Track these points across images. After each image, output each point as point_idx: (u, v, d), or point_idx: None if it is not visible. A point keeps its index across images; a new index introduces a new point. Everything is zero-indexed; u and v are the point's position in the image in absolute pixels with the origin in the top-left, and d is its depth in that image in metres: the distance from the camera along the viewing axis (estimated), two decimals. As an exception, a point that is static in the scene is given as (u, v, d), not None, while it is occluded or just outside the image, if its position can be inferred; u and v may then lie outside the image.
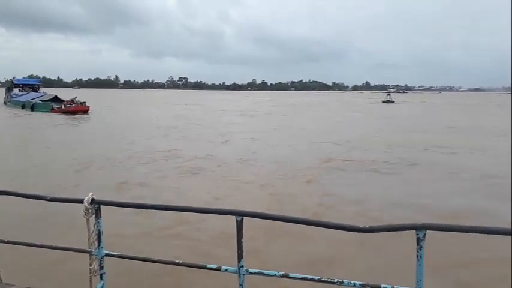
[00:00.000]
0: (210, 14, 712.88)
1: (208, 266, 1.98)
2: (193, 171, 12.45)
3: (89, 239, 2.14)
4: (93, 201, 2.06)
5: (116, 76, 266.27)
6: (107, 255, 2.16)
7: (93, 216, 2.08)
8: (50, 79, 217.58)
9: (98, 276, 2.16)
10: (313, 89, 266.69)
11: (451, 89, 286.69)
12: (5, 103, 51.04)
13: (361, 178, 11.63)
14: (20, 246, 2.44)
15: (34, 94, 48.59)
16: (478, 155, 15.64)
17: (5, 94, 53.47)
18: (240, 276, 1.88)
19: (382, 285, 1.68)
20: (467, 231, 1.51)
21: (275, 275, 1.82)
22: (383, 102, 75.91)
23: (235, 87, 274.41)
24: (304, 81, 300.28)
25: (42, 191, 6.59)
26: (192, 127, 26.72)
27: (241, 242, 1.84)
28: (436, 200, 9.22)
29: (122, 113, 41.28)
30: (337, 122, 31.75)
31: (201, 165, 13.20)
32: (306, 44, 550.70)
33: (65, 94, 49.26)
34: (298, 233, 6.47)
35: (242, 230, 1.83)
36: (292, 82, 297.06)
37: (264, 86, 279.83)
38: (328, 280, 1.70)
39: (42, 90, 55.76)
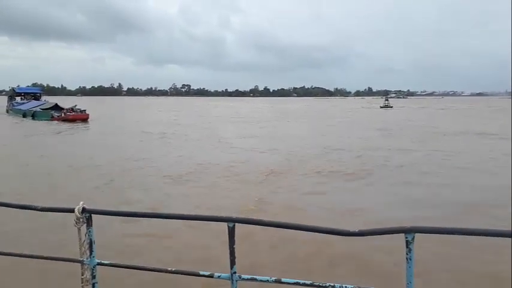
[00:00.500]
0: (211, 21, 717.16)
1: (201, 273, 1.98)
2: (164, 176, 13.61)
3: (80, 249, 2.12)
4: (84, 210, 2.05)
5: (119, 84, 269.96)
6: (99, 264, 2.14)
7: (85, 225, 2.08)
8: (53, 87, 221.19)
9: (90, 286, 2.15)
10: (316, 95, 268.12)
11: (454, 94, 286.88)
12: (7, 111, 52.23)
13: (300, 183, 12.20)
14: (9, 256, 2.42)
15: (35, 102, 49.39)
16: (408, 155, 16.68)
17: (7, 103, 54.78)
18: (232, 283, 1.89)
19: None
20: (456, 234, 1.52)
21: (267, 280, 1.85)
22: (381, 107, 77.04)
23: (237, 93, 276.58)
24: (306, 87, 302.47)
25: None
26: (180, 133, 27.77)
27: (234, 248, 1.85)
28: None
29: (121, 121, 41.71)
30: (315, 129, 31.91)
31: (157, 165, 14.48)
32: (307, 50, 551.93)
33: (67, 102, 49.72)
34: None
35: (234, 236, 1.84)
36: (295, 88, 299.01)
37: (266, 93, 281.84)
38: (321, 284, 1.71)
39: (44, 98, 56.95)
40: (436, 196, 10.11)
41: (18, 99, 54.05)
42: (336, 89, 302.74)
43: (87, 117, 39.23)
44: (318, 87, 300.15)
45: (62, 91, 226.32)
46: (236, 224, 1.82)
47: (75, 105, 41.59)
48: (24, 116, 43.72)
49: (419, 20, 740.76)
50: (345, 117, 47.30)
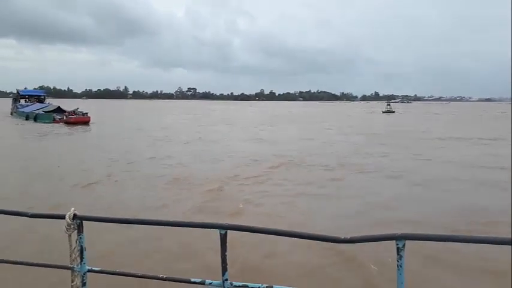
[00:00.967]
0: (218, 25, 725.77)
1: (192, 280, 1.98)
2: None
3: (70, 255, 2.10)
4: (75, 216, 2.04)
5: (125, 87, 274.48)
6: (90, 271, 2.14)
7: (76, 231, 2.07)
8: (60, 90, 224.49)
9: None
10: (321, 99, 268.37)
11: (461, 99, 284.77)
12: (11, 114, 53.16)
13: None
14: None
15: (39, 105, 49.68)
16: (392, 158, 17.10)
17: (12, 105, 55.60)
18: None
19: None
20: (448, 241, 1.54)
21: (259, 287, 1.84)
22: (383, 112, 77.28)
23: (243, 97, 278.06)
24: (312, 91, 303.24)
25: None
26: (178, 137, 27.75)
27: (226, 255, 1.85)
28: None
29: (123, 124, 41.61)
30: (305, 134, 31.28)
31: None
32: (314, 54, 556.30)
33: (72, 105, 49.78)
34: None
35: (226, 243, 1.84)
36: (301, 92, 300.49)
37: (272, 96, 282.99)
38: None
39: (48, 101, 57.10)
40: (391, 201, 10.60)
41: (22, 101, 54.63)
42: (342, 93, 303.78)
43: (89, 120, 39.43)
44: (324, 92, 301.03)
45: (68, 94, 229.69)
46: (228, 231, 1.83)
47: (77, 108, 42.00)
48: (27, 118, 44.28)
49: (428, 25, 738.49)
50: (335, 122, 46.53)
